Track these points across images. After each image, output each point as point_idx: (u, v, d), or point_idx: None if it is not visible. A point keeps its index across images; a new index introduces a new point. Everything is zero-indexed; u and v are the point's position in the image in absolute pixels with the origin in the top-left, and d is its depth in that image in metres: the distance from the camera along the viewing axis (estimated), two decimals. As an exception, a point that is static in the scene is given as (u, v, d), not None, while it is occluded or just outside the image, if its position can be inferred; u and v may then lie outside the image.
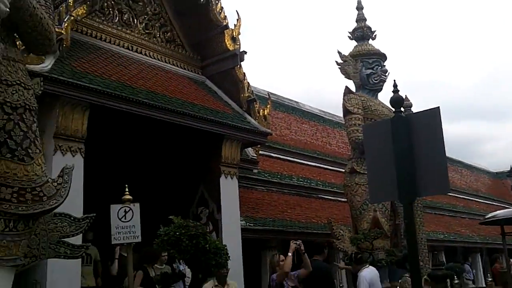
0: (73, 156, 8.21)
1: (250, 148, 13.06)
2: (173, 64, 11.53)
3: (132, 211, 7.18)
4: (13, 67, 4.52)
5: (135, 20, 10.98)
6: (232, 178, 11.07)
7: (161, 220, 7.19)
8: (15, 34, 4.80)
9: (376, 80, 12.98)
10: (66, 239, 5.03)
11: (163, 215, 7.40)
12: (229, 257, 7.09)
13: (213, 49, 11.85)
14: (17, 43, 5.04)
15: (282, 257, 7.17)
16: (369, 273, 7.54)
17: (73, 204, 6.92)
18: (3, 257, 4.06)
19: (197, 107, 10.32)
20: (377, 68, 13.07)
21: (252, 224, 11.80)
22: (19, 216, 4.20)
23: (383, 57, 13.39)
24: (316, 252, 7.58)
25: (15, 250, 4.16)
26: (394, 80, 4.77)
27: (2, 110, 4.22)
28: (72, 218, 5.10)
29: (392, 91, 4.60)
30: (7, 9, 4.00)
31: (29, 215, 4.28)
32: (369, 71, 13.03)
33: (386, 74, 13.18)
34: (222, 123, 10.56)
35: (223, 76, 11.86)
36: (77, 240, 5.76)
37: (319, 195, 16.27)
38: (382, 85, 13.16)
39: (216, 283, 6.80)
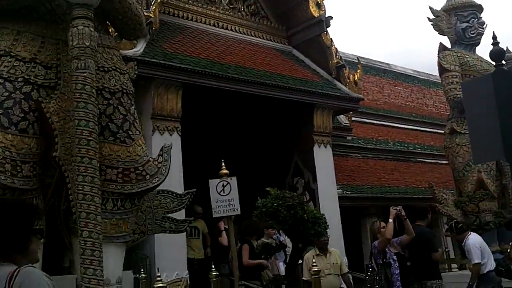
0: (171, 135, 8.53)
1: (342, 115, 12.87)
2: (259, 37, 11.53)
3: (230, 185, 7.35)
4: (108, 54, 4.73)
5: (219, -4, 11.07)
6: (325, 147, 10.98)
7: (258, 192, 7.29)
8: (107, 22, 5.01)
9: (472, 33, 12.21)
10: (170, 215, 5.25)
11: (259, 187, 7.50)
12: (327, 225, 7.07)
13: (297, 18, 11.69)
14: (110, 30, 5.27)
15: (382, 223, 7.01)
16: (475, 240, 7.23)
17: (174, 181, 7.23)
18: (114, 234, 4.31)
19: (285, 78, 10.28)
20: (473, 21, 12.27)
21: (349, 192, 11.68)
22: (125, 195, 4.43)
23: (479, 8, 12.52)
24: (418, 217, 7.36)
25: (124, 227, 4.41)
26: (493, 32, 4.43)
27: (102, 96, 4.43)
28: (174, 194, 5.31)
29: (492, 44, 4.29)
30: (98, -2, 4.16)
31: (134, 194, 4.50)
32: (464, 24, 12.26)
33: (484, 27, 12.34)
34: (312, 92, 10.46)
35: (310, 44, 11.70)
36: (180, 215, 5.99)
37: (418, 159, 15.74)
38: (480, 39, 12.35)
39: (318, 252, 6.81)
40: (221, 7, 11.03)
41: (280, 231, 7.92)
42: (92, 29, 4.06)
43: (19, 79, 4.19)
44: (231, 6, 11.22)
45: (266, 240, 8.10)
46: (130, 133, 4.57)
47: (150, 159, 4.72)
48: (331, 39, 11.43)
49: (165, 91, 8.55)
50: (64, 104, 4.20)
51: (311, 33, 11.58)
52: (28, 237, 2.18)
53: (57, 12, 4.47)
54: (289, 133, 11.22)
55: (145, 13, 7.07)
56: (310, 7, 11.35)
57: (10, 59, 4.22)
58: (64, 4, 4.33)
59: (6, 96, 4.10)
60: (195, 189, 5.59)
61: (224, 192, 7.33)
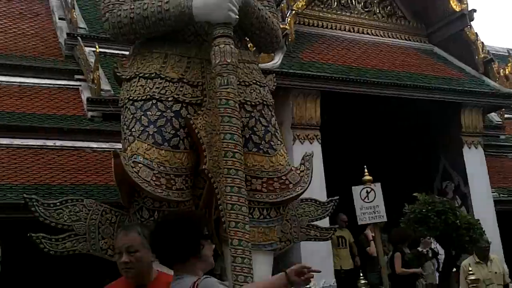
0: (311, 143, 8.57)
1: (493, 113, 11.97)
2: (397, 38, 11.17)
3: (374, 191, 7.20)
4: (248, 69, 4.91)
5: (353, 1, 10.95)
6: (476, 148, 10.29)
7: (404, 198, 7.03)
8: (246, 38, 5.21)
9: None
10: (314, 223, 5.27)
11: (405, 193, 7.24)
12: (484, 231, 6.59)
13: (437, 14, 11.14)
14: (249, 45, 5.47)
15: (547, 229, 6.37)
16: None
17: (317, 189, 7.25)
18: (261, 242, 4.44)
19: (427, 78, 9.85)
20: None
21: (506, 195, 10.79)
22: (270, 204, 4.55)
23: None
24: None
25: (271, 235, 4.53)
26: None
27: (244, 109, 4.60)
28: (318, 202, 5.33)
29: None
30: (237, 16, 4.35)
31: (278, 203, 4.61)
32: None
33: None
34: (458, 90, 9.88)
35: (452, 40, 11.06)
36: (324, 223, 5.98)
37: None
38: None
39: (477, 260, 6.35)
40: (356, 12, 10.89)
41: (431, 238, 7.56)
42: (232, 47, 4.24)
43: (169, 99, 4.51)
44: (366, 9, 11.03)
45: (420, 249, 7.78)
46: (272, 143, 4.69)
47: (292, 168, 4.80)
48: (475, 33, 10.70)
49: (304, 100, 8.65)
50: (210, 119, 4.44)
51: (453, 28, 10.95)
52: (201, 241, 2.31)
53: (200, 32, 4.76)
54: (434, 135, 10.69)
55: (281, 26, 7.21)
56: (451, 2, 10.74)
57: (160, 81, 4.57)
58: (206, 24, 4.60)
59: (159, 115, 4.44)
60: (338, 197, 5.56)
61: (368, 199, 7.20)
